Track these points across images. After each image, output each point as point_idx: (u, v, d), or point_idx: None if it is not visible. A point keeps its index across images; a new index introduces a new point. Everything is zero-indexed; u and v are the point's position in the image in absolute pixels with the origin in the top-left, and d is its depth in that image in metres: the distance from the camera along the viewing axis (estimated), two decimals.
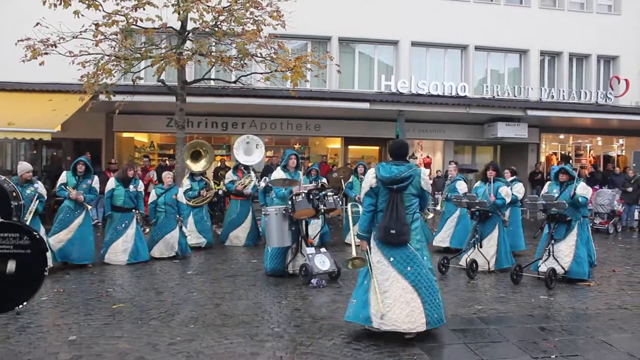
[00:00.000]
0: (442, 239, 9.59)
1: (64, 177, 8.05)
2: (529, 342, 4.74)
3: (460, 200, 8.24)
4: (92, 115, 12.93)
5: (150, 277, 7.38)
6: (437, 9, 16.41)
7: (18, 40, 10.58)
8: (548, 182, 7.92)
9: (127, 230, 8.25)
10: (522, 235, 9.62)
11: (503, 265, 7.87)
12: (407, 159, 4.92)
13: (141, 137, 17.10)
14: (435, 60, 17.14)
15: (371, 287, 4.74)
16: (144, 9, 10.71)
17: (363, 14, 15.71)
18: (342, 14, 15.53)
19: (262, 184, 9.23)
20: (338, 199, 7.70)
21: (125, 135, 16.28)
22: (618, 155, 19.45)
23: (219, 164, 13.74)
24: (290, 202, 7.07)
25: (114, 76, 11.12)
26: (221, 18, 11.08)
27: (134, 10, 10.68)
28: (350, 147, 17.37)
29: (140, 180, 8.90)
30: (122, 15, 10.63)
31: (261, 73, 11.97)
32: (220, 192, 11.64)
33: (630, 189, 13.81)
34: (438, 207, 10.22)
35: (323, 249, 7.38)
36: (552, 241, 7.29)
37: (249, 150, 10.35)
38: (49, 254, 5.25)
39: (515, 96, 16.22)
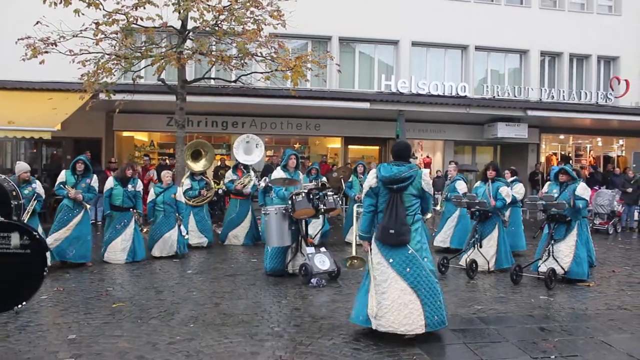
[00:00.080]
0: (442, 239, 9.59)
1: (63, 176, 8.05)
2: (528, 343, 4.74)
3: (460, 200, 8.25)
4: (92, 114, 12.93)
5: (150, 276, 7.38)
6: (437, 9, 16.41)
7: (18, 39, 10.58)
8: (548, 182, 7.92)
9: (126, 229, 8.28)
10: (523, 236, 9.62)
11: (503, 266, 7.87)
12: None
13: (141, 136, 17.10)
14: (435, 60, 17.13)
15: (369, 288, 4.75)
16: (144, 8, 10.71)
17: (363, 14, 15.71)
18: (343, 13, 15.53)
19: (262, 184, 9.23)
20: (338, 199, 7.71)
21: (125, 134, 16.28)
22: (618, 156, 19.44)
23: (219, 163, 13.76)
24: (290, 202, 7.07)
25: (114, 75, 11.12)
26: (221, 17, 11.07)
27: (134, 9, 10.67)
28: (350, 146, 17.39)
29: (139, 180, 8.90)
30: (122, 14, 10.62)
31: (261, 72, 11.96)
32: (220, 191, 11.66)
33: (630, 190, 13.81)
34: (438, 207, 10.22)
35: (323, 249, 7.38)
36: (552, 241, 7.30)
37: (249, 150, 10.34)
38: (48, 254, 5.24)
39: (515, 96, 16.21)
